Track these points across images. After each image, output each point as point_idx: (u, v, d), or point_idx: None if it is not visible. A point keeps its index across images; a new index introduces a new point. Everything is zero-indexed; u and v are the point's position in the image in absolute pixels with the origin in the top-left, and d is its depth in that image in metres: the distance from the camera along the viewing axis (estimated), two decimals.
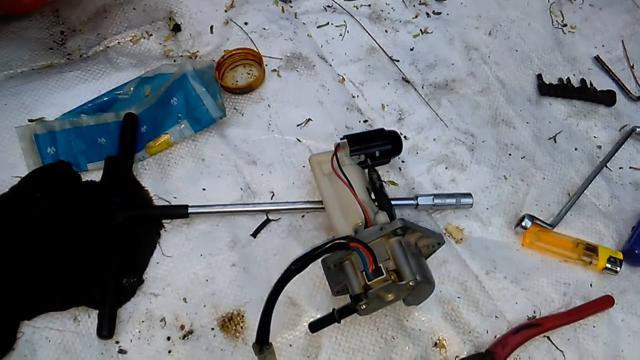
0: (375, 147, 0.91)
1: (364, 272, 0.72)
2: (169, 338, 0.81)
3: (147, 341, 0.81)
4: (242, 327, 0.83)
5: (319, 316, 0.80)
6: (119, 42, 1.08)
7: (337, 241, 0.72)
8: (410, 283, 0.71)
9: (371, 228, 0.77)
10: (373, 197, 0.85)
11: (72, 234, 0.85)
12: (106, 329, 0.79)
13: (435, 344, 0.84)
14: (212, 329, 0.82)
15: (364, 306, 0.72)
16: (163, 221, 0.90)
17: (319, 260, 0.74)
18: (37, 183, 0.88)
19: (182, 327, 0.82)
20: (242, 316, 0.83)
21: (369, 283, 0.71)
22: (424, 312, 0.85)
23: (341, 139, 0.91)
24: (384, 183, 0.89)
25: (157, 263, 0.86)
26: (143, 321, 0.82)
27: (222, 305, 0.84)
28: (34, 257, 0.83)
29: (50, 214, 0.86)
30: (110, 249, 0.85)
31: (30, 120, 0.95)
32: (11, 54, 1.03)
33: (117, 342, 0.80)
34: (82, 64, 1.03)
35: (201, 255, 0.88)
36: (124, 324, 0.81)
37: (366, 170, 0.89)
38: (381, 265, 0.72)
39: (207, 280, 0.86)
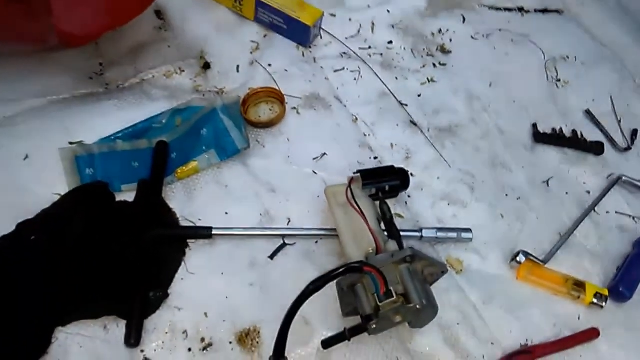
0: (385, 181, 0.99)
1: (375, 295, 0.78)
2: (190, 349, 0.86)
3: (170, 351, 0.85)
4: (257, 342, 0.88)
5: (329, 334, 0.85)
6: (153, 76, 1.15)
7: (352, 265, 0.79)
8: (417, 306, 0.77)
9: (382, 255, 0.84)
10: (383, 227, 0.93)
11: (106, 249, 0.91)
12: (133, 338, 0.84)
13: None
14: (230, 342, 0.87)
15: (374, 326, 0.78)
16: (188, 241, 0.95)
17: (333, 283, 0.81)
18: (78, 200, 0.94)
19: (203, 339, 0.87)
20: (258, 332, 0.89)
21: (380, 304, 0.77)
22: (426, 336, 0.91)
23: (354, 173, 0.98)
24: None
25: (182, 279, 0.92)
26: (167, 332, 0.87)
27: (240, 321, 0.89)
28: (71, 269, 0.88)
29: (88, 229, 0.92)
30: (139, 264, 0.91)
31: (71, 143, 1.02)
32: (54, 81, 1.10)
33: (142, 351, 0.85)
34: (119, 94, 1.10)
35: (222, 273, 0.93)
36: (149, 334, 0.86)
37: (377, 203, 0.96)
38: (391, 288, 0.78)
39: (226, 297, 0.91)
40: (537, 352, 0.92)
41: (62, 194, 0.96)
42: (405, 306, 0.78)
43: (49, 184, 0.97)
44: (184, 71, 1.17)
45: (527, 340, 0.95)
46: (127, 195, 0.99)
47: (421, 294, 0.79)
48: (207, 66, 1.19)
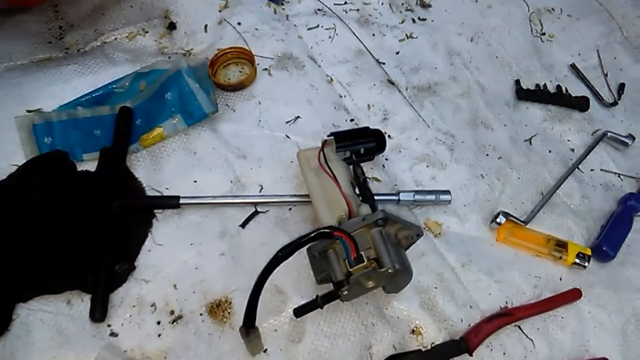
0: (360, 144, 0.96)
1: (346, 260, 0.76)
2: (159, 322, 0.84)
3: (137, 325, 0.83)
4: (229, 313, 0.86)
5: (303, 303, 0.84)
6: (115, 38, 1.10)
7: (321, 230, 0.76)
8: (390, 270, 0.75)
9: (354, 219, 0.81)
10: (357, 192, 0.89)
11: (67, 221, 0.88)
12: (98, 313, 0.82)
13: (413, 331, 0.88)
14: (201, 314, 0.85)
15: (346, 292, 0.76)
16: (155, 211, 0.93)
17: (304, 249, 0.77)
18: (34, 171, 0.91)
19: (172, 312, 0.85)
20: (230, 303, 0.87)
21: (351, 270, 0.75)
22: (402, 300, 0.89)
23: (328, 135, 0.95)
24: (367, 179, 0.93)
25: (149, 251, 0.89)
26: (134, 306, 0.85)
27: (211, 292, 0.87)
28: (30, 242, 0.85)
29: (46, 201, 0.89)
30: (104, 236, 0.88)
31: (29, 111, 0.98)
32: (11, 46, 1.06)
33: (109, 326, 0.83)
34: (80, 58, 1.06)
35: (191, 244, 0.91)
36: (115, 308, 0.84)
37: (351, 166, 0.93)
38: (362, 253, 0.75)
39: (196, 268, 0.89)
40: (518, 314, 0.90)
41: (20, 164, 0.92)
42: (377, 271, 0.76)
43: (6, 155, 0.94)
44: (147, 32, 1.12)
45: (507, 302, 0.93)
46: (89, 164, 0.96)
47: (394, 257, 0.76)
48: (172, 26, 1.13)
